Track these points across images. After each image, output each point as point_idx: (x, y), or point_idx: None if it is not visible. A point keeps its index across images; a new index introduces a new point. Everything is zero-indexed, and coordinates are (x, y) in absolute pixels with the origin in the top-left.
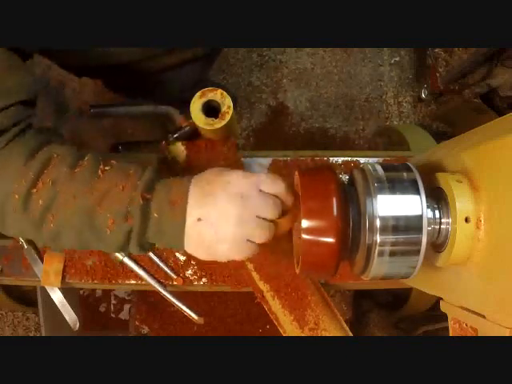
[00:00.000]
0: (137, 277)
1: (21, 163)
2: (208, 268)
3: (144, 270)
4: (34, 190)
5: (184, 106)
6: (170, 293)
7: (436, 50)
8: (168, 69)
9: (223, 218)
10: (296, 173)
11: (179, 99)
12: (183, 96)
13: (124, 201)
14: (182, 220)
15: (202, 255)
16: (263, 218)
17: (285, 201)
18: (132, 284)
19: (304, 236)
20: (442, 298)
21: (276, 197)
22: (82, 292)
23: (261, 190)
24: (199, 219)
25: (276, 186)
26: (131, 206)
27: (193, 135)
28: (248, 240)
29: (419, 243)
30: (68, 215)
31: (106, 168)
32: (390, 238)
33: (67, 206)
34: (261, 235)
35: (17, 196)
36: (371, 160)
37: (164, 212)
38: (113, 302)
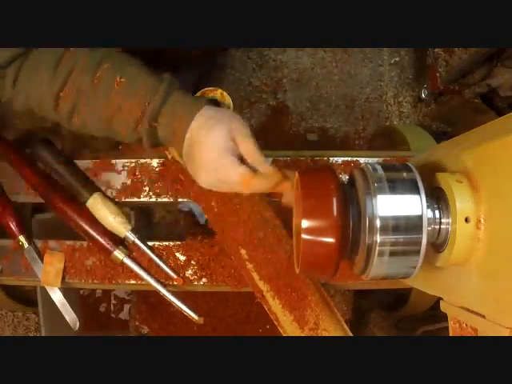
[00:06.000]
0: (137, 277)
1: (50, 71)
2: (208, 268)
3: (144, 269)
4: (62, 94)
5: None
6: (170, 293)
7: (436, 50)
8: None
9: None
10: (296, 173)
11: None
12: None
13: (132, 119)
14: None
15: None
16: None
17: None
18: (132, 284)
19: (304, 236)
20: (442, 298)
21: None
22: (81, 292)
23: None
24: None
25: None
26: (139, 126)
27: None
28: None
29: (419, 243)
30: (90, 118)
31: (122, 80)
32: (390, 238)
33: (89, 111)
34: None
35: (47, 98)
36: (371, 160)
37: (167, 136)
38: (113, 301)
